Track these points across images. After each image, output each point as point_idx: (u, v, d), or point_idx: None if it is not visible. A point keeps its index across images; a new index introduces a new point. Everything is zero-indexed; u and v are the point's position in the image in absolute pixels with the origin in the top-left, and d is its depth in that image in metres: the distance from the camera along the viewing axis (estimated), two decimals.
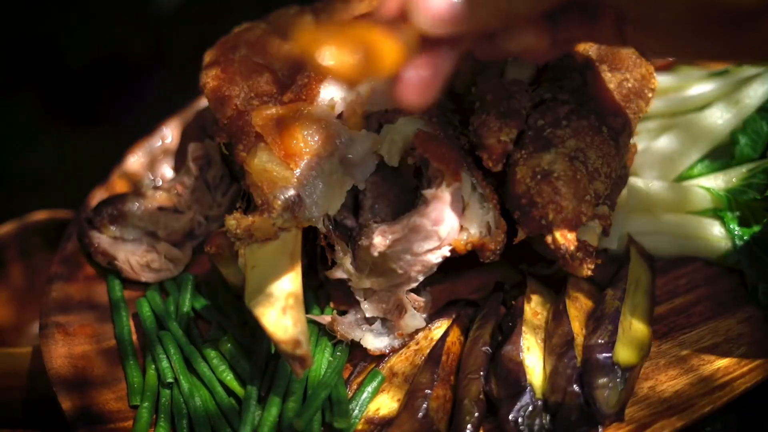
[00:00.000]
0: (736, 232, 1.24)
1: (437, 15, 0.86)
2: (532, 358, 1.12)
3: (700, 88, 1.40)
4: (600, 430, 1.04)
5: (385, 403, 1.14)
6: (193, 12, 2.41)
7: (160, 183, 1.50)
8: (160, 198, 1.39)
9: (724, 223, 1.25)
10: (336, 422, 1.10)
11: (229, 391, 1.18)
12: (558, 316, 1.16)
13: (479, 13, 0.86)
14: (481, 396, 1.09)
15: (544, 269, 1.26)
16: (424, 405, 1.08)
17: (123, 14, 2.45)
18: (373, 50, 0.81)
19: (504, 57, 0.95)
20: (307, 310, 1.20)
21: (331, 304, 1.28)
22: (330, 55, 0.80)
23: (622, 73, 1.21)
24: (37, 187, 2.23)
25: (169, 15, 2.44)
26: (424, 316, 1.23)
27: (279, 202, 1.12)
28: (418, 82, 0.88)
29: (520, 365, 1.09)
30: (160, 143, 1.54)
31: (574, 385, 1.06)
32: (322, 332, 1.23)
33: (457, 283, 1.30)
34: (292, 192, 1.13)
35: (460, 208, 1.16)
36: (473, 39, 0.93)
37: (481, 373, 1.11)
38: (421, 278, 1.20)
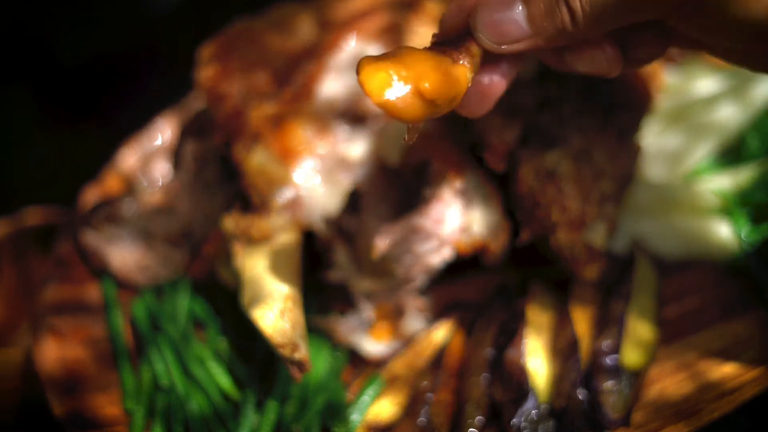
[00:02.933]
0: (744, 234, 1.22)
1: (502, 33, 0.87)
2: (536, 362, 1.11)
3: (708, 85, 1.38)
4: None
5: (386, 408, 1.13)
6: (190, 9, 2.40)
7: (159, 182, 1.49)
8: (157, 198, 1.37)
9: (733, 224, 1.23)
10: (335, 427, 1.09)
11: (226, 395, 1.16)
12: (562, 318, 1.15)
13: (543, 32, 0.87)
14: (484, 400, 1.08)
15: (547, 271, 1.24)
16: (425, 409, 1.07)
17: (119, 12, 2.44)
18: (444, 82, 0.82)
19: (571, 71, 0.96)
20: (306, 313, 1.18)
21: (331, 307, 1.26)
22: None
23: None
24: (32, 185, 2.21)
25: (167, 13, 2.43)
26: (425, 318, 1.21)
27: (277, 203, 1.11)
28: (479, 95, 0.92)
29: (522, 369, 1.08)
30: (156, 141, 1.53)
31: (579, 390, 1.04)
32: (321, 335, 1.21)
33: (458, 285, 1.29)
34: (290, 192, 1.11)
35: (462, 208, 1.14)
36: (536, 55, 0.93)
37: (484, 376, 1.10)
38: (422, 279, 1.19)
